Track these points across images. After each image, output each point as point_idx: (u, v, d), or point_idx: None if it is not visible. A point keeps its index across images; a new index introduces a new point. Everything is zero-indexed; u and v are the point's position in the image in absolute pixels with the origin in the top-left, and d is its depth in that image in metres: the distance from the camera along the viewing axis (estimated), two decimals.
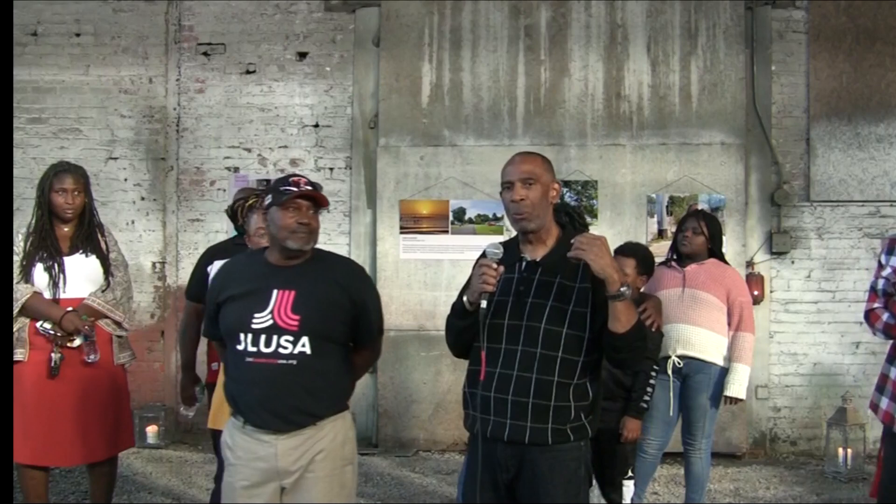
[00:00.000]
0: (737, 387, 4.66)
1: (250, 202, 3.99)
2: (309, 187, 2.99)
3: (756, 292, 6.68)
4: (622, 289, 2.65)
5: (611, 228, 6.60)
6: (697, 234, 4.74)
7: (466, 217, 6.87)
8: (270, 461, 2.95)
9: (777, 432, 6.86)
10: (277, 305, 2.96)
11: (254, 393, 2.95)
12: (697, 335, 4.64)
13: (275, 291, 2.97)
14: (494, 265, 2.75)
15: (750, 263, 6.76)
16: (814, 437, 6.76)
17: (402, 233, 6.90)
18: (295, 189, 2.95)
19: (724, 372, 4.69)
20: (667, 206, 6.67)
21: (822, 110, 6.80)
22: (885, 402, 3.47)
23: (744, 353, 4.67)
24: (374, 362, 3.39)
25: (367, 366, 3.34)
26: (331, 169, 7.12)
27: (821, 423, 6.57)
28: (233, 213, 4.17)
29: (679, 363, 4.66)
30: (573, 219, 3.92)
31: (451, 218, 6.88)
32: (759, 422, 6.83)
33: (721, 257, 4.86)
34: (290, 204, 2.94)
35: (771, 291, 6.83)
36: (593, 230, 6.41)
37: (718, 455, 6.53)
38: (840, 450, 6.03)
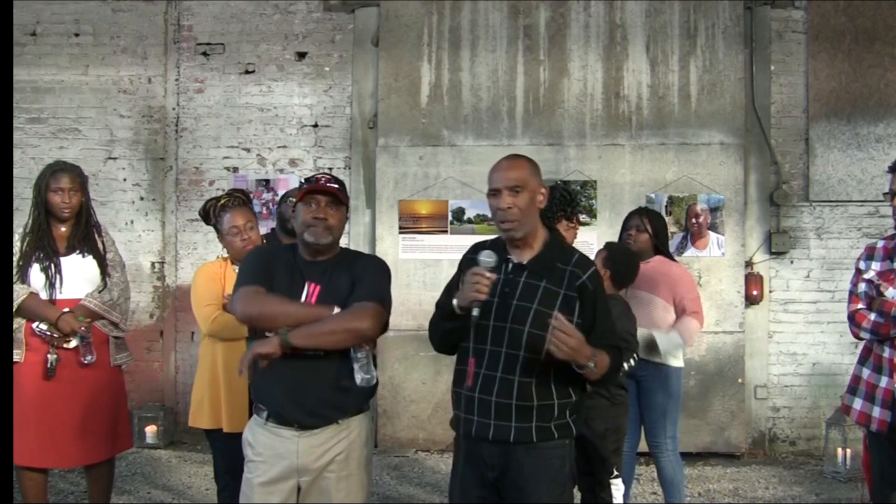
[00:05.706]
0: (664, 341, 4.46)
1: (222, 202, 4.03)
2: (332, 184, 3.04)
3: (755, 292, 6.69)
4: (589, 364, 2.72)
5: (610, 228, 6.60)
6: (641, 232, 4.68)
7: (465, 217, 6.86)
8: (291, 458, 2.98)
9: (776, 432, 6.85)
10: (308, 298, 3.01)
11: (280, 387, 2.97)
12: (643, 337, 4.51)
13: (306, 284, 3.04)
14: (488, 273, 2.75)
15: (749, 263, 6.76)
16: (813, 437, 6.76)
17: (401, 233, 6.89)
18: (315, 184, 3.03)
19: (675, 371, 4.59)
20: (666, 206, 6.66)
21: (821, 110, 6.79)
22: (858, 403, 3.55)
23: (684, 328, 4.51)
24: (358, 323, 2.91)
25: (350, 316, 2.93)
26: (330, 169, 7.10)
27: (820, 423, 6.57)
28: (205, 213, 4.14)
29: (626, 367, 4.58)
30: (570, 193, 4.05)
31: (450, 218, 6.87)
32: (758, 422, 6.83)
33: (667, 254, 4.80)
34: (309, 199, 3.02)
35: (770, 291, 6.83)
36: (593, 230, 6.55)
37: (717, 455, 6.55)
38: (839, 450, 6.03)
